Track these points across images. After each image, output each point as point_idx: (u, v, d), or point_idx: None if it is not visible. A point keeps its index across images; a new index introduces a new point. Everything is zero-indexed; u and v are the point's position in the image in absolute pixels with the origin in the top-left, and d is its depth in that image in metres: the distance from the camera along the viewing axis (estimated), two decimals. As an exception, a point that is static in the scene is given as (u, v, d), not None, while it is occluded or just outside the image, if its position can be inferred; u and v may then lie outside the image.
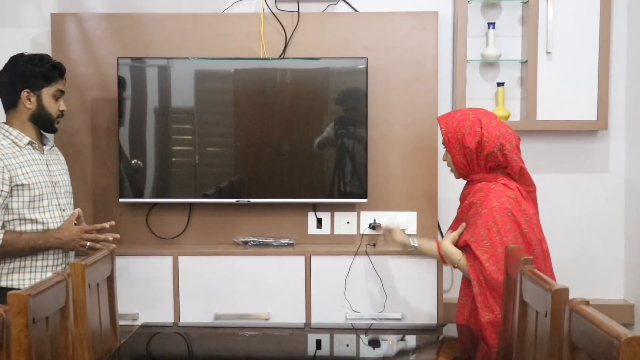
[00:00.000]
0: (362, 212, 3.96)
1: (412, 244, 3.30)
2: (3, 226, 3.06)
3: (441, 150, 3.65)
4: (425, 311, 3.71)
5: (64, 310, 2.32)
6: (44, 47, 3.92)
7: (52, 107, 3.23)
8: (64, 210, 3.24)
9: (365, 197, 3.84)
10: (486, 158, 3.03)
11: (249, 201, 3.86)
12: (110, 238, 3.18)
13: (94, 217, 3.93)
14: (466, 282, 3.10)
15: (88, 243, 3.14)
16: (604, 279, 4.10)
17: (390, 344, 3.01)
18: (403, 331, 3.33)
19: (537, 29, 3.89)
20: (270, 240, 3.89)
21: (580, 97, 3.94)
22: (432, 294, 3.67)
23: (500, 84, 3.95)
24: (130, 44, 3.91)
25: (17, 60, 3.21)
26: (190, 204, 3.95)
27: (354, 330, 3.27)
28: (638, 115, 3.98)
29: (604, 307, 3.33)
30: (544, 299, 2.18)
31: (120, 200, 3.86)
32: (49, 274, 3.06)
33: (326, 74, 3.88)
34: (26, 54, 3.24)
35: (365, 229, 3.93)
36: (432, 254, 3.23)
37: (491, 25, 3.94)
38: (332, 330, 3.32)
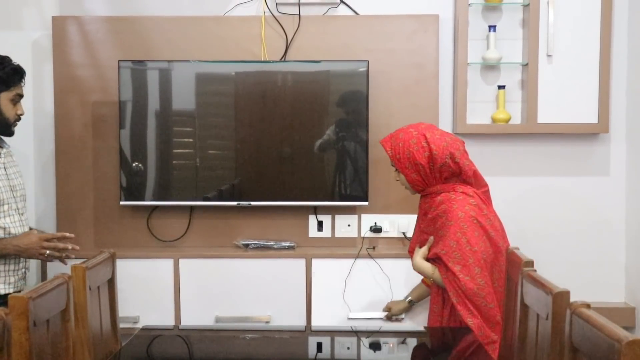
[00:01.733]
0: (362, 215, 3.96)
1: (407, 300, 3.58)
2: None
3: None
4: (426, 314, 3.70)
5: (64, 313, 2.31)
6: (45, 49, 3.93)
7: (10, 111, 3.16)
8: (22, 214, 3.21)
9: (366, 199, 3.85)
10: (440, 170, 3.03)
11: (250, 204, 3.86)
12: (70, 247, 3.11)
13: (95, 220, 3.94)
14: (437, 290, 3.12)
15: (47, 252, 3.08)
16: (605, 281, 4.10)
17: (391, 346, 3.01)
18: (404, 334, 3.33)
19: (538, 32, 3.89)
20: (271, 243, 3.89)
21: (581, 100, 3.94)
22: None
23: (501, 87, 3.95)
24: (131, 46, 3.92)
25: None
26: (191, 207, 3.96)
27: (355, 333, 3.27)
28: (639, 118, 3.98)
29: (605, 310, 3.32)
30: (545, 302, 2.18)
31: (121, 203, 3.86)
32: (11, 279, 3.09)
33: (327, 77, 3.88)
34: None
35: (366, 232, 3.93)
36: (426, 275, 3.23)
37: (492, 28, 3.94)
38: (332, 333, 3.32)
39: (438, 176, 3.06)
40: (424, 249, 3.09)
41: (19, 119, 3.22)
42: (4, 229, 3.10)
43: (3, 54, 3.21)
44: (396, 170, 3.16)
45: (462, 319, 2.93)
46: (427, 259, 3.10)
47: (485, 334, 2.89)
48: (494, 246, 2.99)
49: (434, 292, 3.16)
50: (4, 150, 3.23)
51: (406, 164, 3.07)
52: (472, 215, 2.97)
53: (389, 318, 3.67)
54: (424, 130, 3.08)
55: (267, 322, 3.73)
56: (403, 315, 3.68)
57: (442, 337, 3.15)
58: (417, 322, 3.69)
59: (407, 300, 3.58)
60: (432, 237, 3.07)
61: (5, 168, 3.18)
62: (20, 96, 3.20)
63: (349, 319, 3.72)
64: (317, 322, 3.73)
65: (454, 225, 2.95)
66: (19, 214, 3.19)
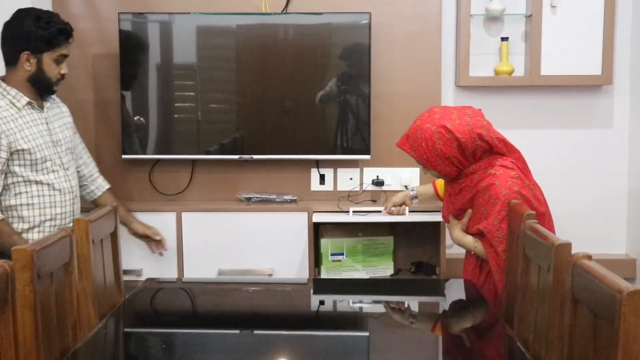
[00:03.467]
0: (365, 169, 3.96)
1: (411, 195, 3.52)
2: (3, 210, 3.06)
3: (446, 104, 3.64)
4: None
5: (68, 266, 2.33)
6: (45, 1, 3.88)
7: (53, 71, 3.12)
8: (67, 169, 3.22)
9: (368, 153, 3.84)
10: (473, 153, 2.92)
11: (252, 158, 3.86)
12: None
13: (97, 173, 3.94)
14: (469, 253, 3.09)
15: None
16: (607, 234, 4.11)
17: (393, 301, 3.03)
18: (407, 285, 3.35)
19: (542, -17, 3.85)
20: (273, 196, 3.90)
21: (584, 52, 3.91)
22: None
23: (504, 39, 3.92)
24: (131, -2, 3.88)
25: (23, 17, 3.07)
26: (193, 161, 3.95)
27: (357, 285, 3.28)
28: (643, 70, 3.96)
29: (606, 262, 3.31)
30: (547, 254, 2.18)
31: (123, 156, 3.86)
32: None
33: (329, 29, 3.85)
34: (33, 11, 3.11)
35: (368, 185, 3.94)
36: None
37: (495, -22, 3.90)
38: (335, 286, 3.33)
39: (472, 159, 2.94)
40: (464, 221, 3.01)
41: (62, 78, 3.19)
42: (49, 185, 3.11)
43: (3, 5, 3.16)
44: (424, 166, 3.03)
45: (496, 288, 2.90)
46: (467, 233, 3.02)
47: None
48: (539, 217, 2.80)
49: (471, 265, 3.09)
50: (48, 104, 3.22)
51: (437, 161, 2.93)
52: (515, 190, 2.86)
53: (390, 209, 3.59)
54: (440, 121, 2.91)
55: (270, 274, 3.75)
56: (406, 209, 3.59)
57: (446, 290, 3.17)
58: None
59: (412, 194, 3.53)
60: (469, 211, 2.98)
61: (47, 122, 3.17)
62: (65, 56, 3.16)
63: (354, 212, 3.71)
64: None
65: (499, 204, 2.85)
66: (63, 169, 3.19)
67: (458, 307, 2.90)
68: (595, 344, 1.79)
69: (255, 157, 3.86)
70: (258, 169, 3.97)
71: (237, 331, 2.52)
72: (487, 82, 3.95)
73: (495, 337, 2.50)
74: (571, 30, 3.90)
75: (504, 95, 4.03)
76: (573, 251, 2.02)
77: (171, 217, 3.75)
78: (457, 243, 3.08)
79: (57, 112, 3.28)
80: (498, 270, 2.88)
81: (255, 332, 2.51)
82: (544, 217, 2.93)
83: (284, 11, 3.88)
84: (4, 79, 3.13)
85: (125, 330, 2.61)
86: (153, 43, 3.85)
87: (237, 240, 3.77)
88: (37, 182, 3.09)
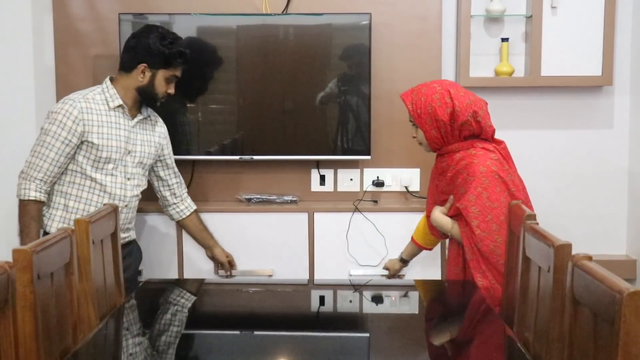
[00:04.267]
0: (365, 169, 3.96)
1: (399, 259, 3.58)
2: (50, 193, 3.21)
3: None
4: (427, 268, 3.73)
5: (68, 267, 2.33)
6: (45, 2, 3.88)
7: (162, 88, 3.29)
8: (129, 179, 3.29)
9: (368, 154, 3.84)
10: (460, 127, 2.96)
11: (252, 158, 3.86)
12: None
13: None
14: (457, 251, 3.09)
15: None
16: (607, 234, 4.11)
17: (393, 300, 3.03)
18: (406, 287, 3.35)
19: (543, -16, 3.85)
20: (274, 197, 3.90)
21: (585, 53, 3.91)
22: (434, 251, 3.68)
23: (504, 40, 3.92)
24: (131, -1, 3.88)
25: (150, 32, 3.25)
26: (194, 161, 3.95)
27: (357, 286, 3.28)
28: (643, 70, 3.96)
29: (607, 263, 3.33)
30: (547, 255, 2.18)
31: (124, 157, 3.86)
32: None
33: (329, 30, 3.85)
34: (161, 29, 3.29)
35: (368, 186, 3.94)
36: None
37: (496, -21, 3.90)
38: (335, 286, 3.34)
39: (457, 134, 2.99)
40: (446, 206, 3.04)
41: (167, 96, 3.34)
42: (102, 185, 3.22)
43: (2, 6, 3.16)
44: (414, 125, 3.09)
45: (471, 276, 2.93)
46: (448, 216, 3.05)
47: (495, 295, 2.86)
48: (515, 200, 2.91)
49: (454, 252, 3.12)
50: (141, 117, 3.34)
51: (427, 120, 3.00)
52: (493, 170, 2.90)
53: (390, 277, 3.64)
54: (448, 87, 3.00)
55: (270, 275, 3.75)
56: (404, 272, 3.68)
57: (446, 291, 3.17)
58: (418, 275, 3.71)
59: (400, 259, 3.57)
60: (452, 197, 3.01)
61: (130, 132, 3.28)
62: (176, 77, 3.32)
63: (351, 275, 3.74)
64: (319, 276, 3.75)
65: (476, 180, 2.89)
66: (125, 177, 3.28)
67: (458, 308, 2.90)
68: (596, 344, 1.79)
69: (255, 157, 3.86)
70: (258, 169, 3.97)
71: (237, 332, 2.52)
72: (488, 83, 3.95)
73: (495, 338, 2.50)
74: (571, 31, 3.91)
75: (504, 96, 4.03)
76: (573, 252, 2.02)
77: (171, 217, 3.75)
78: (434, 223, 3.10)
79: (149, 128, 3.39)
80: (470, 250, 2.92)
81: (256, 332, 2.51)
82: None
83: (285, 12, 3.88)
84: (112, 79, 3.31)
85: (125, 331, 2.61)
86: (153, 44, 3.84)
87: (238, 240, 3.77)
88: (92, 179, 3.20)
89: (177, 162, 3.71)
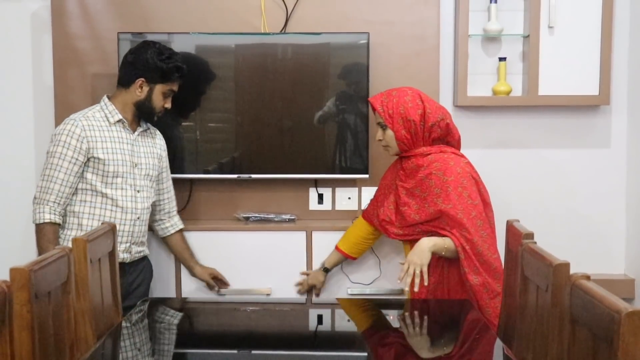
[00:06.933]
0: (363, 188, 3.96)
1: (322, 269, 3.65)
2: (65, 215, 3.25)
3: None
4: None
5: (66, 286, 2.32)
6: (44, 21, 3.90)
7: (159, 102, 3.35)
8: (138, 191, 3.32)
9: (366, 172, 3.84)
10: (430, 129, 3.14)
11: (251, 177, 3.86)
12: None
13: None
14: (435, 260, 3.10)
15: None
16: (605, 253, 4.11)
17: (392, 319, 3.02)
18: (404, 306, 3.34)
19: (540, 3, 3.86)
20: (272, 215, 3.89)
21: (582, 72, 3.93)
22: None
23: (502, 59, 3.93)
24: (130, 18, 3.89)
25: (148, 47, 3.32)
26: (192, 180, 3.95)
27: (355, 305, 3.28)
28: (640, 90, 3.97)
29: (605, 282, 3.34)
30: (545, 274, 2.18)
31: (122, 175, 3.86)
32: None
33: (327, 49, 3.86)
34: (158, 44, 3.36)
35: (366, 205, 3.93)
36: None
37: (493, -1, 3.92)
38: (333, 305, 3.33)
39: (427, 136, 3.15)
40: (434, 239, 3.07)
41: (163, 111, 3.39)
42: (114, 200, 3.25)
43: (2, 25, 3.18)
44: (383, 127, 3.20)
45: (465, 277, 2.97)
46: (424, 227, 3.13)
47: (490, 288, 2.98)
48: (485, 203, 3.10)
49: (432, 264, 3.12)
50: (141, 129, 3.39)
51: (398, 120, 3.14)
52: (467, 171, 3.10)
53: (307, 291, 3.69)
54: (418, 92, 3.21)
55: (268, 294, 3.74)
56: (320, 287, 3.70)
57: (444, 310, 3.16)
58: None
59: (322, 269, 3.65)
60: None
61: (133, 144, 3.32)
62: (173, 92, 3.38)
63: (349, 294, 3.73)
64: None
65: (454, 181, 3.05)
66: (135, 190, 3.31)
67: (456, 327, 2.90)
68: (594, 364, 1.79)
69: (253, 176, 3.86)
70: (256, 188, 3.97)
71: (235, 351, 2.51)
72: (485, 102, 3.96)
73: (494, 357, 2.50)
74: (569, 51, 3.92)
75: (502, 115, 4.04)
76: (571, 271, 2.02)
77: (169, 236, 3.74)
78: (430, 247, 3.01)
79: (149, 140, 3.44)
80: (463, 250, 2.99)
81: (253, 352, 2.50)
82: (489, 207, 3.14)
83: (283, 31, 3.89)
84: (109, 97, 3.36)
85: (123, 350, 2.59)
86: (152, 62, 3.85)
87: (236, 259, 3.76)
88: (103, 195, 3.23)
89: (175, 180, 3.71)
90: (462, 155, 3.19)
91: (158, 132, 3.53)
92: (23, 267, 2.00)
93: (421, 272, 2.98)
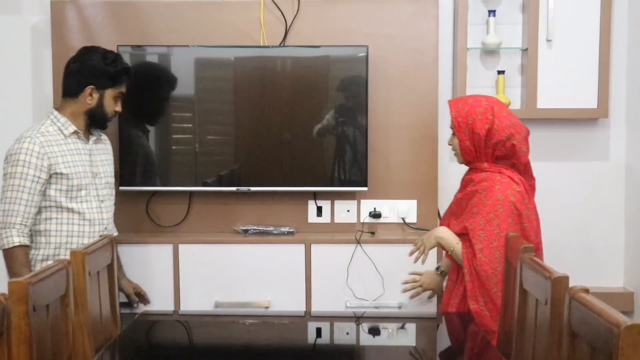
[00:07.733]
0: (362, 201, 3.95)
1: (437, 270, 3.45)
2: (31, 236, 3.15)
3: (443, 137, 3.69)
4: (425, 300, 3.71)
5: (64, 298, 2.32)
6: (44, 34, 3.91)
7: (110, 107, 3.30)
8: (102, 201, 3.29)
9: (365, 185, 3.84)
10: (494, 146, 3.02)
11: (249, 189, 3.86)
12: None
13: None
14: (455, 269, 3.11)
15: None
16: (604, 266, 4.11)
17: (390, 332, 3.02)
18: (403, 319, 3.34)
19: (538, 17, 3.88)
20: (271, 228, 3.89)
21: (580, 85, 3.94)
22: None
23: (500, 72, 3.94)
24: (130, 31, 3.90)
25: (91, 54, 3.28)
26: (191, 192, 3.95)
27: (354, 318, 3.27)
28: (638, 102, 3.97)
29: (604, 295, 3.32)
30: (544, 287, 2.18)
31: (121, 188, 3.85)
32: None
33: (326, 62, 3.87)
34: (100, 49, 3.31)
35: (365, 217, 3.93)
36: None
37: (492, 12, 3.93)
38: (332, 318, 3.32)
39: (490, 152, 3.04)
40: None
41: (115, 115, 3.36)
42: (80, 214, 3.20)
43: (1, 38, 3.19)
44: (453, 133, 3.15)
45: (467, 298, 2.94)
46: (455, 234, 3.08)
47: (483, 322, 2.89)
48: (525, 237, 2.91)
49: (452, 280, 3.12)
50: (94, 137, 3.35)
51: (464, 129, 3.06)
52: (511, 200, 2.94)
53: (419, 293, 3.49)
54: (493, 104, 3.07)
55: (267, 307, 3.74)
56: (429, 293, 3.53)
57: (443, 323, 3.15)
58: (415, 307, 3.69)
59: (437, 269, 3.44)
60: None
61: (90, 154, 3.29)
62: (123, 94, 3.33)
63: (348, 307, 3.72)
64: (316, 308, 3.73)
65: (490, 205, 2.94)
66: (98, 200, 3.28)
67: (455, 341, 2.89)
68: (594, 378, 1.78)
69: (252, 189, 3.86)
70: (255, 200, 3.97)
71: (233, 364, 2.51)
72: (484, 115, 3.96)
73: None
74: (567, 64, 3.93)
75: (500, 128, 4.04)
76: (570, 284, 2.02)
77: (168, 249, 3.74)
78: (438, 237, 3.08)
79: (102, 147, 3.41)
80: (469, 272, 2.94)
81: (252, 365, 2.49)
82: (531, 242, 2.90)
83: (282, 44, 3.90)
84: (57, 109, 3.27)
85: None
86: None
87: (234, 272, 3.76)
88: (68, 210, 3.17)
89: (174, 192, 3.72)
90: (520, 183, 3.01)
91: (106, 137, 3.49)
92: (21, 279, 2.00)
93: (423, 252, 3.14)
